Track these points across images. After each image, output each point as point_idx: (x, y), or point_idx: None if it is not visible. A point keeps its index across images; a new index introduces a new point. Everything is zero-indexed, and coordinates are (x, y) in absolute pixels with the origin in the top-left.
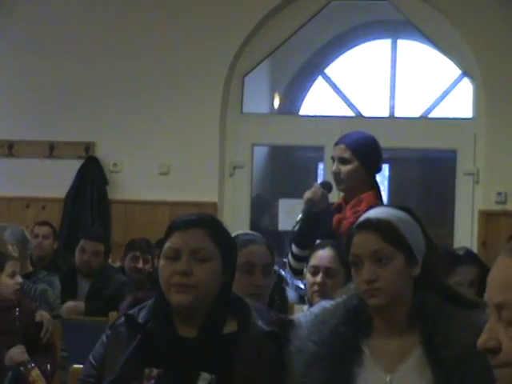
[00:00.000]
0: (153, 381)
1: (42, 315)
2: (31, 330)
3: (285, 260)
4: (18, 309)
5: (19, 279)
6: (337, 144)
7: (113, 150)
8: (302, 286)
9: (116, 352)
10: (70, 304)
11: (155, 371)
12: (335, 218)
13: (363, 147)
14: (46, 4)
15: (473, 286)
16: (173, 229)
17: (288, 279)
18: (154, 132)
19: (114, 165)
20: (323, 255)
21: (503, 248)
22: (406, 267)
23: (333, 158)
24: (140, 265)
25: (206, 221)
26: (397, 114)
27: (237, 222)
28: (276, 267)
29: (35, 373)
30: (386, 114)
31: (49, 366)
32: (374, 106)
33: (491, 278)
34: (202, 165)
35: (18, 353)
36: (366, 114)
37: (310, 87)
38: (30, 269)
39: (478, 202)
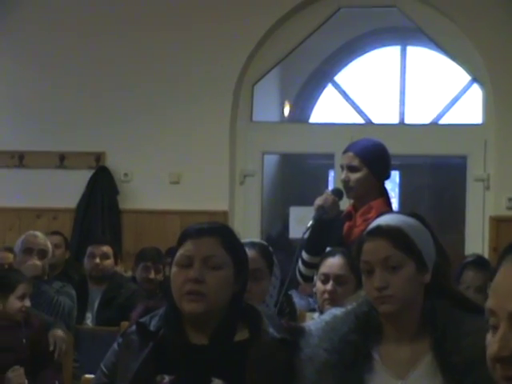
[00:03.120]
0: None
1: (56, 335)
2: (42, 347)
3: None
4: (25, 327)
5: (28, 303)
6: (345, 152)
7: (123, 159)
8: None
9: (127, 360)
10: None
11: (167, 378)
12: (346, 225)
13: (372, 154)
14: (57, 14)
15: (480, 291)
16: (185, 236)
17: None
18: (164, 141)
19: (125, 175)
20: (333, 263)
21: (509, 257)
22: (417, 274)
23: (342, 166)
24: (152, 275)
25: (218, 229)
26: (407, 121)
27: (247, 231)
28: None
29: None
30: (396, 121)
31: (57, 382)
32: (383, 113)
33: (499, 286)
34: (213, 174)
35: (16, 376)
36: (376, 121)
37: (319, 95)
38: (45, 277)
39: (489, 208)
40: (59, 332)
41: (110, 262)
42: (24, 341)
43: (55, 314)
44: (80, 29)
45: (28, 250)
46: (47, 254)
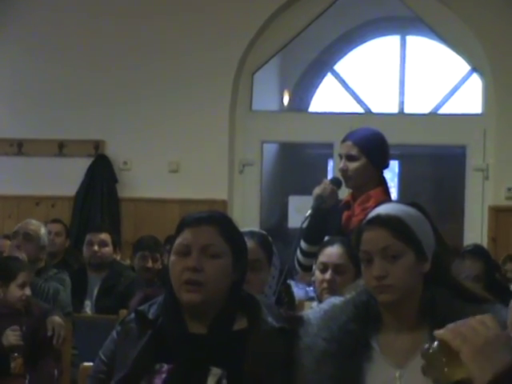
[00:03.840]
0: (164, 375)
1: (54, 321)
2: (40, 335)
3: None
4: (25, 315)
5: (28, 291)
6: (344, 141)
7: (122, 148)
8: None
9: (126, 348)
10: None
11: (166, 366)
12: (344, 214)
13: (370, 143)
14: (58, 3)
15: (478, 280)
16: (184, 225)
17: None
18: (164, 130)
19: (124, 163)
20: (332, 252)
21: None
22: (416, 263)
23: (340, 155)
24: (149, 264)
25: (217, 218)
26: (406, 111)
27: (246, 220)
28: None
29: (19, 362)
30: (396, 111)
31: (56, 371)
32: (383, 103)
33: None
34: (212, 162)
35: (13, 335)
36: (375, 110)
37: (319, 84)
38: (42, 264)
39: (488, 198)
40: (57, 318)
41: (108, 249)
42: (24, 328)
43: (42, 300)
44: (79, 18)
45: (14, 234)
46: (33, 238)
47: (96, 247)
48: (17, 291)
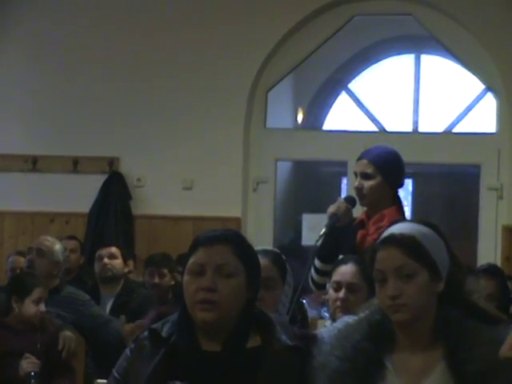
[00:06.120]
0: None
1: (65, 336)
2: (55, 351)
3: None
4: (40, 331)
5: (43, 307)
6: (359, 159)
7: (136, 165)
8: None
9: (139, 366)
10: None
11: None
12: (359, 233)
13: (386, 162)
14: (71, 19)
15: (491, 299)
16: (197, 244)
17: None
18: (178, 147)
19: (138, 180)
20: (346, 271)
21: None
22: (430, 283)
23: (355, 174)
24: (156, 280)
25: (230, 237)
26: (420, 129)
27: (260, 237)
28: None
29: None
30: (410, 129)
31: None
32: (397, 121)
33: None
34: (226, 180)
35: (28, 363)
36: (389, 129)
37: (333, 102)
38: (57, 282)
39: (502, 217)
40: (68, 333)
41: (118, 261)
42: (39, 346)
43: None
44: (94, 35)
45: (29, 250)
46: (46, 254)
47: (106, 259)
48: (32, 307)
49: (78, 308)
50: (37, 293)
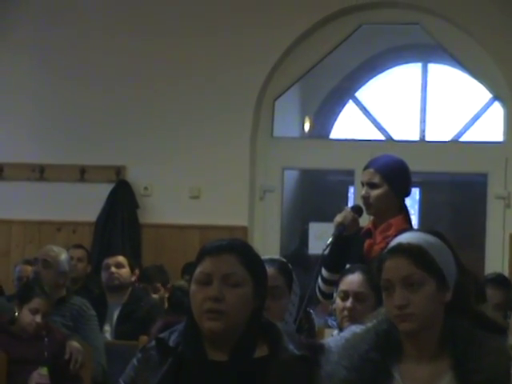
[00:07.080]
0: None
1: (72, 346)
2: (60, 361)
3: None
4: (46, 339)
5: (38, 319)
6: (366, 168)
7: (143, 173)
8: None
9: (147, 375)
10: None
11: None
12: (366, 243)
13: (392, 171)
14: (83, 31)
15: (498, 308)
16: (204, 254)
17: None
18: (185, 156)
19: (145, 189)
20: (353, 280)
21: None
22: (438, 292)
23: (362, 183)
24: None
25: (237, 246)
26: (427, 138)
27: (267, 246)
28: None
29: None
30: (417, 138)
31: None
32: (404, 130)
33: None
34: (233, 188)
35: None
36: (396, 137)
37: (340, 111)
38: (63, 293)
39: (510, 226)
40: (75, 343)
41: (125, 270)
42: (46, 354)
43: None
44: (102, 45)
45: (35, 261)
46: (51, 265)
47: (113, 269)
48: (27, 315)
49: (79, 320)
50: (35, 303)
